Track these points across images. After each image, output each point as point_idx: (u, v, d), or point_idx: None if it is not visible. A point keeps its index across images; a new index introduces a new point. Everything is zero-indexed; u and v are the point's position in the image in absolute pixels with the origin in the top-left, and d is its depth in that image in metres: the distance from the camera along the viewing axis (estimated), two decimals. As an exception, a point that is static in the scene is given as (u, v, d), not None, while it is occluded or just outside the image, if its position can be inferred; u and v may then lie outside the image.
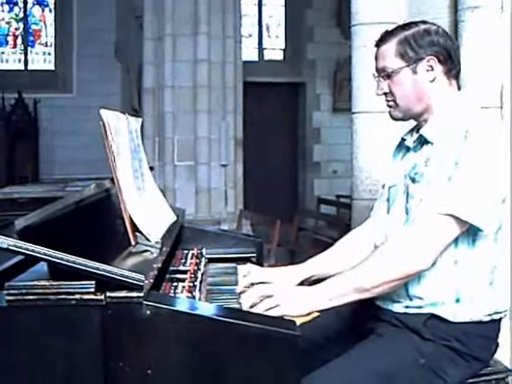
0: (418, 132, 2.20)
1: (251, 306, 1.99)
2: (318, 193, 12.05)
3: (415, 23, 2.19)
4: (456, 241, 2.03)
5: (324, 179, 12.62)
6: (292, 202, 12.16)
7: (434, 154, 2.07)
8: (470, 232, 2.03)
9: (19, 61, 12.50)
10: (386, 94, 2.20)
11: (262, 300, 2.00)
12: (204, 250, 2.63)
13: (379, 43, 2.18)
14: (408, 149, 2.25)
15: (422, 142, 2.16)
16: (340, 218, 8.63)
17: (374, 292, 2.01)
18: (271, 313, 1.96)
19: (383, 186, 2.36)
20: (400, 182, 2.20)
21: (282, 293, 2.05)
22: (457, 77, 2.19)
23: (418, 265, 1.99)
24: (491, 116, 2.30)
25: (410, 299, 2.09)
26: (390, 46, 2.14)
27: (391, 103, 2.19)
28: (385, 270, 2.00)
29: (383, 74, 2.17)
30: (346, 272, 2.09)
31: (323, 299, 2.01)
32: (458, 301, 2.06)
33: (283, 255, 7.23)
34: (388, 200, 2.29)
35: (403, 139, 2.30)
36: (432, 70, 2.12)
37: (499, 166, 2.01)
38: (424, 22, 2.19)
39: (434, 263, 2.02)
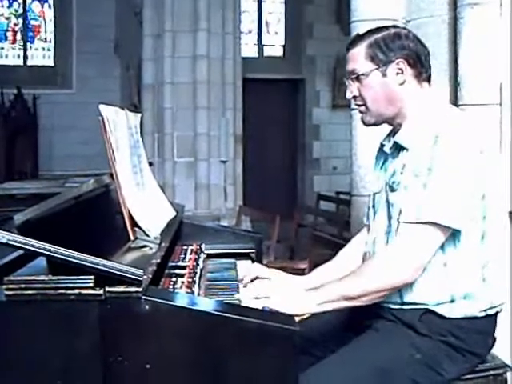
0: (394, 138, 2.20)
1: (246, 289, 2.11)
2: (318, 189, 12.02)
3: (386, 27, 2.20)
4: (442, 244, 2.04)
5: (323, 176, 12.62)
6: (291, 199, 12.16)
7: (408, 160, 2.08)
8: (455, 234, 2.04)
9: (18, 56, 12.48)
10: (355, 97, 2.19)
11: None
12: (203, 246, 2.64)
13: (349, 47, 2.19)
14: (387, 154, 2.24)
15: (399, 148, 2.15)
16: (339, 215, 8.61)
17: (362, 300, 2.04)
18: (261, 302, 2.03)
19: (369, 195, 2.37)
20: (383, 189, 2.21)
21: (277, 288, 2.15)
22: (428, 80, 2.19)
23: (404, 278, 2.01)
24: (465, 116, 2.30)
25: (406, 304, 2.10)
26: (360, 49, 2.14)
27: (362, 108, 2.19)
28: (372, 281, 2.03)
29: (353, 76, 2.16)
30: (337, 280, 2.13)
31: (312, 304, 2.05)
32: (452, 301, 2.06)
33: (282, 251, 7.22)
34: (374, 206, 2.30)
35: (382, 145, 2.29)
36: (402, 73, 2.12)
37: (473, 165, 2.00)
38: (395, 27, 2.21)
39: (424, 269, 2.04)
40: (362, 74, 2.13)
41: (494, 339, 2.18)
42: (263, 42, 12.88)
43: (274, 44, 12.95)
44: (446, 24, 3.20)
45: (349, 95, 2.20)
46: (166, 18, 8.93)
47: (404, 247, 2.01)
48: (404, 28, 2.22)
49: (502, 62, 3.00)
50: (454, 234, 2.03)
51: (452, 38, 3.16)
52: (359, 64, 2.14)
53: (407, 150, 2.10)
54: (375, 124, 2.21)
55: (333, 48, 11.66)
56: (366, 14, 3.39)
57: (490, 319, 2.14)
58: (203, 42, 8.95)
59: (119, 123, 2.14)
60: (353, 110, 3.59)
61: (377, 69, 2.11)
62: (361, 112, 2.20)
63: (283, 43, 12.93)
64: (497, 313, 2.16)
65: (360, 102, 2.18)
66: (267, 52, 12.89)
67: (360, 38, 2.17)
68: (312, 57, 12.51)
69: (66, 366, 1.66)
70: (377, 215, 2.23)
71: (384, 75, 2.12)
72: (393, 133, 2.23)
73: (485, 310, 2.10)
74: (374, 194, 2.28)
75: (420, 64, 2.14)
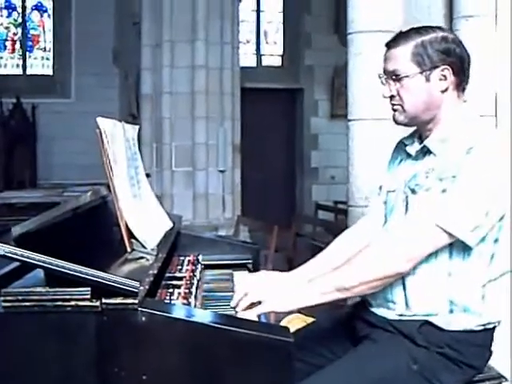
0: (420, 141, 2.17)
1: (237, 305, 2.04)
2: (316, 199, 12.03)
3: (432, 28, 2.11)
4: (451, 254, 2.03)
5: (322, 185, 12.61)
6: (290, 208, 12.15)
7: (435, 165, 2.05)
8: (466, 247, 2.02)
9: (17, 66, 12.51)
10: (392, 97, 2.13)
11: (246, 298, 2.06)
12: (200, 257, 2.64)
13: (392, 44, 2.11)
14: (409, 155, 2.21)
15: (425, 152, 2.12)
16: (338, 224, 8.61)
17: (354, 292, 2.02)
18: (256, 310, 2.01)
19: (380, 188, 2.34)
20: (399, 188, 2.18)
21: (265, 291, 2.09)
22: (464, 90, 2.14)
23: (394, 267, 2.00)
24: (494, 130, 2.26)
25: (405, 308, 2.09)
26: (405, 50, 2.07)
27: (397, 107, 2.13)
28: (363, 270, 2.01)
29: (394, 77, 2.10)
30: (329, 272, 2.10)
31: (305, 297, 2.03)
32: (451, 312, 2.06)
33: (280, 261, 7.21)
34: (385, 203, 2.27)
35: (404, 144, 2.25)
36: (445, 79, 2.06)
37: (499, 184, 1.97)
38: (441, 29, 2.13)
39: (428, 273, 2.04)
40: (406, 76, 2.07)
41: (491, 352, 2.17)
42: (262, 52, 12.90)
43: (273, 54, 12.97)
44: (441, 36, 3.21)
45: (386, 94, 2.13)
46: (164, 28, 8.96)
47: (400, 238, 2.00)
48: (450, 31, 2.14)
49: (497, 73, 3.02)
50: (464, 248, 2.02)
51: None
52: (402, 65, 2.07)
53: (434, 155, 2.08)
54: (406, 125, 2.16)
55: (331, 58, 11.69)
56: (363, 25, 3.40)
57: (488, 333, 2.13)
58: (201, 51, 8.98)
59: (117, 136, 2.15)
60: (350, 121, 3.61)
61: (421, 73, 2.05)
62: (394, 110, 2.14)
63: (282, 53, 12.94)
64: (494, 327, 2.15)
65: (397, 103, 2.12)
66: (266, 62, 12.90)
67: (405, 36, 2.09)
68: (310, 66, 12.53)
69: (63, 378, 1.67)
70: (391, 216, 2.20)
71: (427, 80, 2.06)
72: (418, 134, 2.20)
73: (483, 325, 2.09)
74: (388, 192, 2.25)
75: (463, 72, 2.09)
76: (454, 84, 2.09)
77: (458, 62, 2.07)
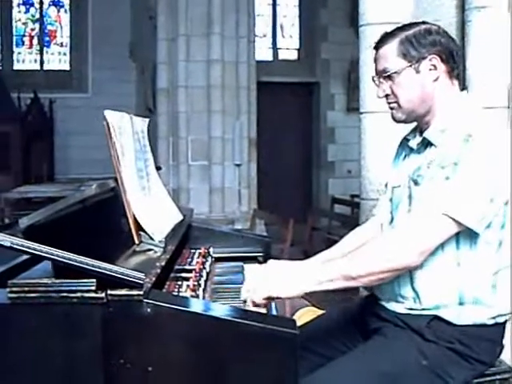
0: (421, 134, 2.17)
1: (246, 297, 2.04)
2: (333, 192, 11.99)
3: (415, 23, 2.16)
4: (458, 243, 2.02)
5: (338, 179, 12.59)
6: (306, 202, 12.15)
7: (436, 156, 2.05)
8: (472, 235, 2.01)
9: (35, 61, 12.60)
10: (387, 95, 2.15)
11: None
12: (211, 249, 2.65)
13: (379, 45, 2.14)
14: (411, 149, 2.21)
15: (426, 144, 2.13)
16: (354, 218, 8.59)
17: (360, 281, 2.00)
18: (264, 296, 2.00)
19: (386, 185, 2.34)
20: (404, 183, 2.18)
21: (272, 277, 2.07)
22: (458, 77, 2.15)
23: (406, 261, 1.98)
24: (495, 117, 2.25)
25: (414, 301, 2.09)
26: (391, 47, 2.09)
27: (393, 105, 2.14)
28: (373, 261, 1.99)
29: (384, 75, 2.12)
30: (337, 259, 2.10)
31: (312, 282, 2.01)
32: (461, 304, 2.04)
33: (296, 255, 7.22)
34: (391, 200, 2.27)
35: (407, 139, 2.26)
36: (435, 69, 2.08)
37: (500, 169, 1.96)
38: (424, 23, 2.16)
39: (437, 265, 2.03)
40: (395, 72, 2.09)
41: (502, 347, 2.16)
42: (278, 46, 12.88)
43: (289, 47, 12.94)
44: (453, 27, 3.19)
45: (381, 94, 2.15)
46: (180, 22, 8.96)
47: (411, 231, 1.99)
48: (434, 24, 2.16)
49: (509, 64, 3.00)
50: (471, 236, 2.01)
51: (459, 41, 3.15)
52: (391, 62, 2.09)
53: (435, 146, 2.08)
54: (405, 121, 2.17)
55: (347, 51, 11.62)
56: (374, 17, 3.39)
57: (499, 327, 2.12)
58: (217, 45, 8.97)
59: (124, 128, 2.15)
60: (362, 113, 3.60)
61: (409, 66, 2.07)
62: (391, 108, 2.16)
63: (298, 47, 12.92)
64: (505, 321, 2.13)
65: (392, 100, 2.14)
66: (282, 55, 12.88)
67: (389, 35, 2.12)
68: (326, 60, 12.49)
69: (67, 369, 1.68)
70: (397, 210, 2.20)
71: (417, 72, 2.08)
72: (419, 128, 2.20)
73: (493, 318, 2.07)
74: (393, 188, 2.25)
75: (452, 60, 2.10)
76: (445, 72, 2.10)
77: (445, 51, 2.09)
